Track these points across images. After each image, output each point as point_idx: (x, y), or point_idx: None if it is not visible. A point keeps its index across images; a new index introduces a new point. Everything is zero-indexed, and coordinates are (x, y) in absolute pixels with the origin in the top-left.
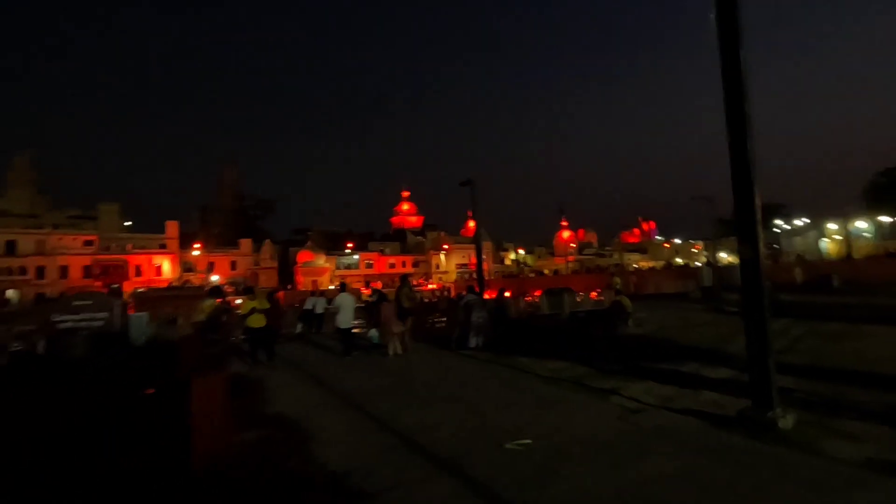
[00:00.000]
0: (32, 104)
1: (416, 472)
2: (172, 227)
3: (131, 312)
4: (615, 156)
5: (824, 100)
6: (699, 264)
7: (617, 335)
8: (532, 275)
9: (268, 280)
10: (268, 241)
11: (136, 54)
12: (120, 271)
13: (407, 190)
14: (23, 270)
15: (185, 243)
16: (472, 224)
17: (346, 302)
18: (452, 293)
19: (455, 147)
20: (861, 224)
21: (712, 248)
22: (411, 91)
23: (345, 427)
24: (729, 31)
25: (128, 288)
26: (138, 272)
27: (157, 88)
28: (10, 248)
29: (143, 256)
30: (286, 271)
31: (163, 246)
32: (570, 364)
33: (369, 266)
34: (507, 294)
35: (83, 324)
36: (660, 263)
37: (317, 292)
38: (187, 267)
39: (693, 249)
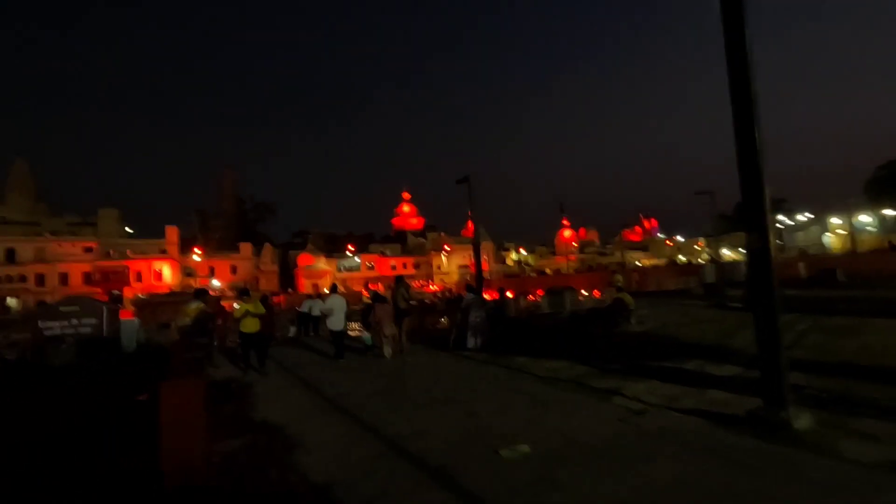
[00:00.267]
0: (30, 111)
1: (405, 483)
2: (172, 233)
3: (127, 317)
4: (616, 154)
5: (825, 92)
6: (701, 261)
7: (618, 333)
8: (534, 274)
9: (268, 284)
10: (268, 244)
11: (135, 60)
12: (120, 277)
13: (407, 191)
14: (23, 278)
15: (186, 248)
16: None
17: (337, 304)
18: (456, 293)
19: (455, 148)
20: (864, 218)
21: (715, 245)
22: (411, 92)
23: (332, 433)
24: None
25: (128, 294)
26: (139, 278)
27: (155, 93)
28: (10, 256)
29: (143, 262)
30: (287, 274)
31: (163, 251)
32: (569, 363)
33: (370, 268)
34: (508, 294)
35: (70, 330)
36: (662, 261)
37: (313, 295)
38: (188, 272)
39: (696, 246)
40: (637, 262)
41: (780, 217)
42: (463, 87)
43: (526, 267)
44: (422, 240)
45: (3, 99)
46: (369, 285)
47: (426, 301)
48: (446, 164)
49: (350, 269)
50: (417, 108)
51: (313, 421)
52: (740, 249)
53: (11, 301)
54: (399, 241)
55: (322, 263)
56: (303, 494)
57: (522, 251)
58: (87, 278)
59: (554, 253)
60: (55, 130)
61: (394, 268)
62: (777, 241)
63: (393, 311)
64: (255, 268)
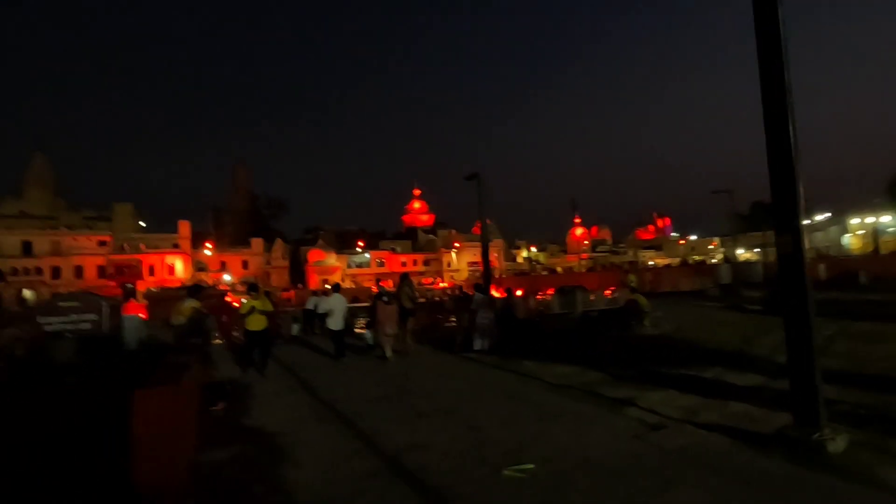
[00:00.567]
0: (48, 108)
1: None
2: (185, 227)
3: (136, 312)
4: (629, 152)
5: (846, 89)
6: (715, 261)
7: (632, 336)
8: (544, 273)
9: (279, 279)
10: (279, 240)
11: (149, 56)
12: (133, 271)
13: (418, 188)
14: (39, 271)
15: (198, 243)
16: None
17: (338, 303)
18: (468, 291)
19: (467, 145)
20: (887, 219)
21: (731, 245)
22: (424, 89)
23: (326, 444)
24: None
25: (141, 287)
26: (151, 272)
27: (172, 91)
28: (27, 249)
29: (156, 256)
30: (298, 270)
31: (175, 245)
32: (580, 369)
33: (380, 265)
34: (518, 293)
35: (70, 326)
36: (675, 260)
37: (319, 291)
38: (200, 266)
39: (710, 246)
40: (650, 262)
41: None
42: (476, 84)
43: (536, 265)
44: (432, 237)
45: (24, 96)
46: (380, 282)
47: (435, 299)
48: (458, 162)
49: (360, 266)
50: (430, 105)
51: (308, 429)
52: (755, 250)
53: (27, 293)
54: (410, 237)
55: (333, 259)
56: None
57: (533, 249)
58: (102, 272)
59: (565, 251)
60: (74, 127)
61: (404, 264)
62: None
63: (397, 310)
64: (267, 263)
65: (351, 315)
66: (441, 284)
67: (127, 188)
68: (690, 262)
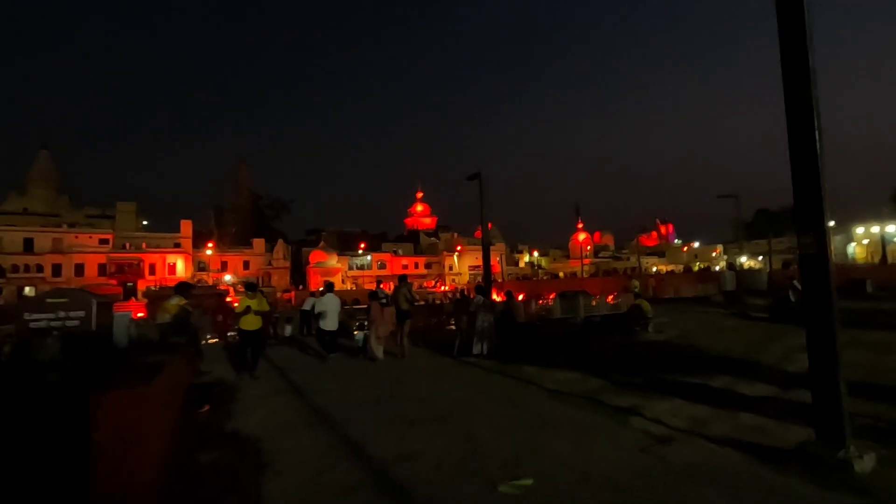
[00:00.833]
0: (53, 106)
1: None
2: (187, 227)
3: (135, 311)
4: (631, 158)
5: (850, 95)
6: (718, 268)
7: (635, 342)
8: (546, 277)
9: (280, 280)
10: (280, 240)
11: (154, 55)
12: (134, 269)
13: (421, 191)
14: (39, 268)
15: (200, 242)
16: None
17: (330, 304)
18: (470, 294)
19: (471, 149)
20: (891, 228)
21: (738, 252)
22: (428, 93)
23: (310, 452)
24: None
25: (142, 286)
26: (152, 270)
27: (175, 89)
28: (28, 246)
29: (157, 255)
30: (299, 271)
31: (177, 245)
32: (582, 375)
33: (382, 267)
34: (520, 297)
35: (57, 323)
36: (679, 267)
37: (316, 292)
38: (201, 266)
39: (713, 253)
40: (653, 268)
41: None
42: (481, 88)
43: (539, 270)
44: (434, 240)
45: (30, 93)
46: (381, 284)
47: (436, 301)
48: (461, 165)
49: (361, 268)
50: (433, 107)
51: (293, 435)
52: (759, 257)
53: (28, 290)
54: (412, 240)
55: (334, 261)
56: None
57: (535, 253)
58: (102, 270)
59: (568, 256)
60: (79, 126)
61: (405, 267)
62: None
63: (393, 312)
64: (268, 263)
65: (349, 316)
66: (442, 287)
67: (131, 187)
68: (694, 268)
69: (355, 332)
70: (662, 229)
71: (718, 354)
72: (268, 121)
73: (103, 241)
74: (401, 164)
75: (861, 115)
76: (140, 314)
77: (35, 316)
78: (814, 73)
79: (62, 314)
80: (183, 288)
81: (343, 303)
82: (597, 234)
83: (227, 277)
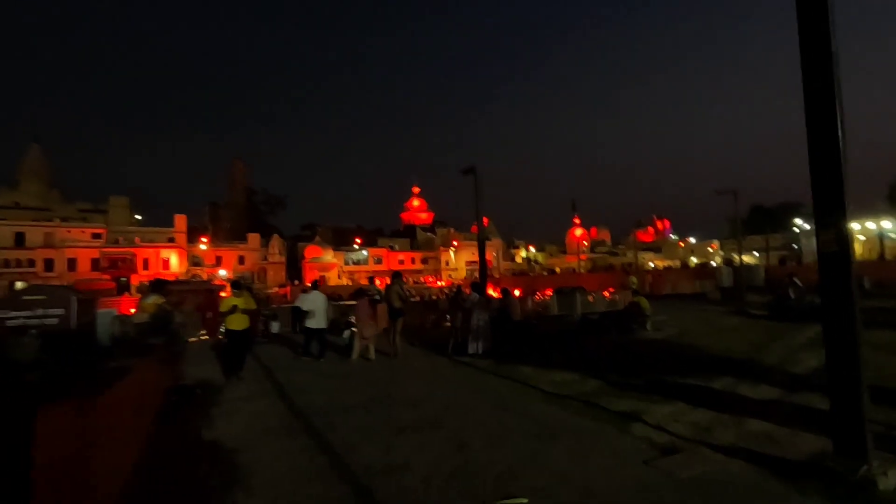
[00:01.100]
0: (46, 101)
1: None
2: (181, 221)
3: (127, 307)
4: (627, 153)
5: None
6: (714, 264)
7: (633, 340)
8: (543, 273)
9: (276, 275)
10: (276, 235)
11: (148, 50)
12: (128, 264)
13: (417, 186)
14: (31, 263)
15: (195, 237)
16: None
17: (317, 301)
18: (467, 290)
19: (467, 144)
20: (887, 224)
21: (739, 247)
22: (424, 88)
23: (288, 463)
24: None
25: (135, 281)
26: (146, 265)
27: (170, 84)
28: (20, 240)
29: (150, 250)
30: (295, 267)
31: (171, 240)
32: (579, 376)
33: (378, 262)
34: (516, 293)
35: (35, 321)
36: (675, 263)
37: (308, 288)
38: (195, 261)
39: (709, 249)
40: (650, 264)
41: (798, 221)
42: (476, 83)
43: (535, 265)
44: (431, 235)
45: (22, 87)
46: (375, 279)
47: (433, 297)
48: (457, 161)
49: (357, 263)
50: (430, 103)
51: (272, 444)
52: (755, 253)
53: (20, 285)
54: (408, 235)
55: (330, 256)
56: None
57: (532, 249)
58: (95, 264)
59: (564, 252)
60: (72, 120)
61: (401, 262)
62: (793, 246)
63: (385, 309)
64: (263, 259)
65: (341, 314)
66: (439, 283)
67: (124, 182)
68: (691, 264)
69: (345, 331)
70: (659, 225)
71: (719, 354)
72: (263, 116)
73: (96, 236)
74: (397, 159)
75: (855, 111)
76: (133, 310)
77: (11, 314)
78: (836, 56)
79: (40, 312)
80: (160, 285)
81: (338, 298)
82: (593, 230)
83: (222, 272)
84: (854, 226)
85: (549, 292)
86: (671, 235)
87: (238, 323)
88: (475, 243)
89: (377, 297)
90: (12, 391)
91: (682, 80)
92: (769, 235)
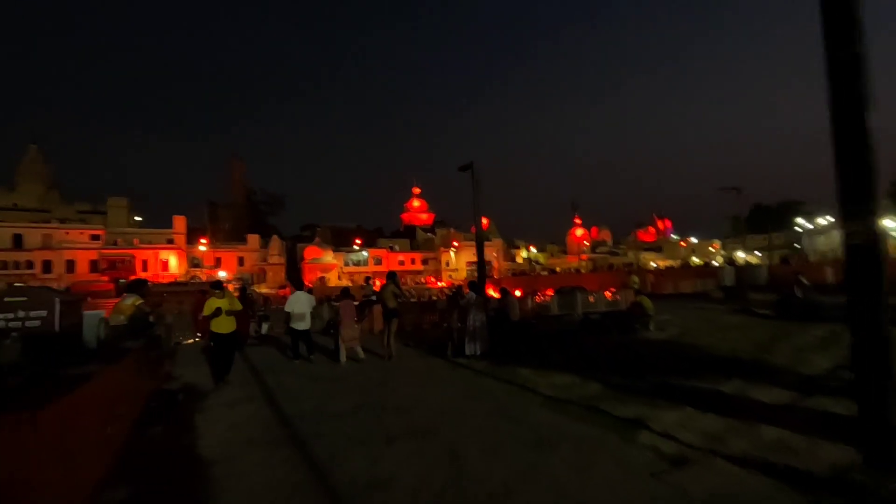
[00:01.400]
0: (45, 103)
1: None
2: (180, 222)
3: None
4: (627, 152)
5: None
6: (716, 263)
7: (636, 340)
8: (544, 273)
9: (275, 276)
10: (275, 236)
11: (148, 53)
12: (126, 266)
13: (418, 187)
14: (29, 264)
15: (194, 238)
16: (483, 221)
17: (301, 301)
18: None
19: (468, 144)
20: (889, 223)
21: (739, 246)
22: (426, 88)
23: (267, 477)
24: None
25: None
26: (145, 267)
27: (168, 85)
28: (18, 242)
29: (149, 251)
30: (294, 267)
31: (170, 241)
32: (580, 379)
33: (378, 263)
34: (517, 293)
35: (16, 323)
36: (676, 262)
37: (305, 289)
38: (194, 262)
39: (710, 248)
40: (651, 264)
41: (800, 220)
42: (477, 83)
43: (536, 265)
44: (431, 235)
45: (21, 88)
46: (371, 279)
47: (433, 298)
48: (458, 161)
49: (357, 264)
50: (430, 103)
51: (252, 454)
52: (756, 252)
53: (18, 286)
54: (408, 236)
55: (329, 257)
56: None
57: (533, 249)
58: (94, 266)
59: (565, 252)
60: (71, 122)
61: (401, 263)
62: (795, 245)
63: (380, 310)
64: (263, 260)
65: (335, 314)
66: (439, 284)
67: (123, 183)
68: (692, 263)
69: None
70: (660, 224)
71: (725, 355)
72: (262, 116)
73: (94, 237)
74: (397, 159)
75: None
76: (103, 313)
77: None
78: (862, 26)
79: (22, 314)
80: (138, 286)
81: (329, 299)
82: (594, 230)
83: (222, 274)
84: None
85: (549, 292)
86: (672, 235)
87: (224, 326)
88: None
89: (372, 298)
90: None
91: (680, 79)
92: (773, 233)
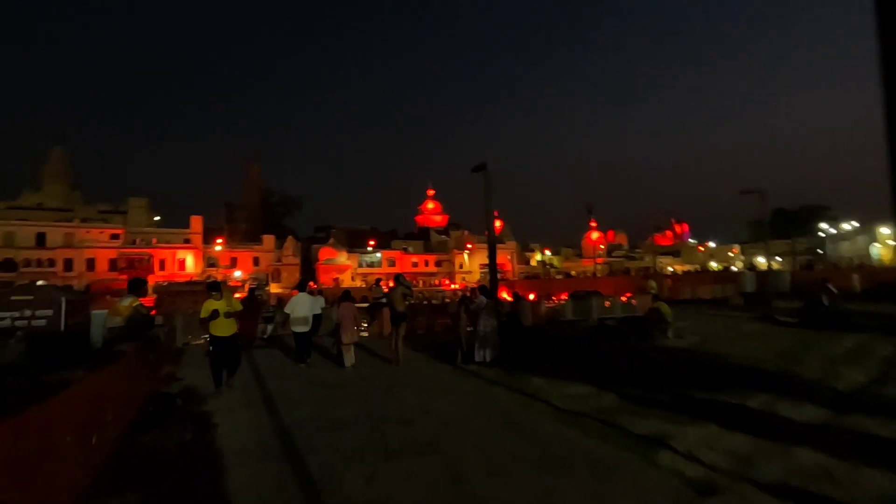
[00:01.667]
0: (72, 106)
1: None
2: (197, 222)
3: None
4: (645, 156)
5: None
6: (734, 268)
7: (654, 348)
8: (559, 276)
9: (290, 276)
10: (290, 237)
11: (167, 56)
12: (144, 265)
13: (432, 189)
14: (51, 262)
15: (210, 238)
16: (497, 223)
17: (303, 303)
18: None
19: (483, 146)
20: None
21: (765, 251)
22: (442, 91)
23: (255, 493)
24: None
25: (152, 282)
26: (162, 266)
27: (189, 88)
28: (41, 240)
29: (167, 250)
30: (309, 268)
31: (187, 241)
32: (596, 389)
33: (392, 264)
34: (530, 297)
35: (22, 322)
36: (695, 267)
37: (314, 291)
38: (211, 262)
39: (729, 253)
40: (669, 268)
41: (823, 225)
42: (493, 86)
43: (550, 269)
44: (445, 237)
45: (47, 90)
46: (381, 282)
47: (445, 300)
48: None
49: (371, 265)
50: (446, 106)
51: (243, 467)
52: (777, 258)
53: (41, 283)
54: (422, 238)
55: (343, 258)
56: None
57: (547, 252)
58: (113, 265)
59: (580, 255)
60: (95, 123)
61: (415, 265)
62: (818, 250)
63: (388, 313)
64: (277, 260)
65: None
66: (452, 286)
67: (145, 184)
68: (710, 269)
69: (365, 333)
70: (677, 228)
71: (749, 366)
72: (280, 118)
73: (114, 237)
74: (412, 162)
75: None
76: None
77: None
78: None
79: (28, 313)
80: (137, 285)
81: (327, 300)
82: (610, 233)
83: (237, 273)
84: (883, 230)
85: (564, 296)
86: (690, 240)
87: (223, 328)
88: None
89: (382, 301)
90: None
91: (699, 82)
92: (797, 239)
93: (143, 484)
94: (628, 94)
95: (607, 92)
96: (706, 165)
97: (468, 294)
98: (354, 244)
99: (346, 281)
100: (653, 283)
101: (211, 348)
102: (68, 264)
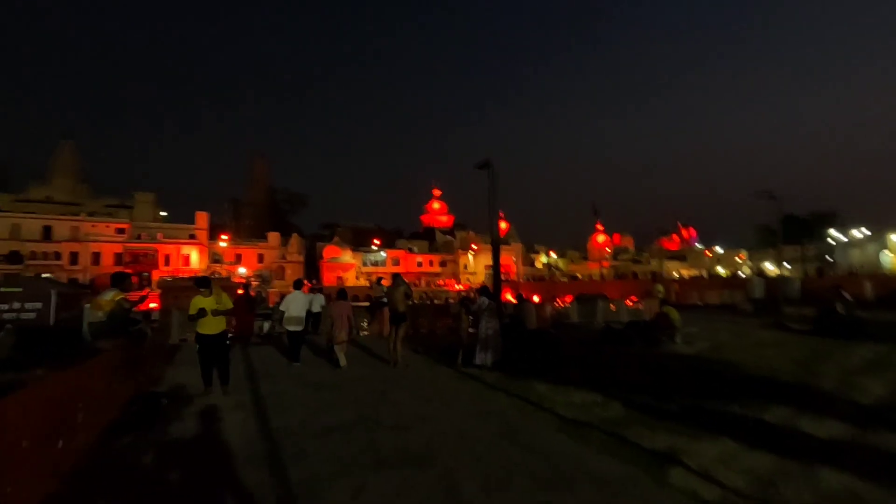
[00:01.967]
0: (80, 100)
1: None
2: (202, 218)
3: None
4: (652, 159)
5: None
6: (742, 274)
7: (662, 354)
8: (564, 279)
9: (294, 274)
10: (295, 234)
11: (174, 53)
12: (149, 260)
13: (438, 189)
14: (57, 256)
15: (216, 234)
16: (503, 225)
17: (296, 301)
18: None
19: (489, 147)
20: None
21: (774, 256)
22: (448, 90)
23: None
24: None
25: (156, 276)
26: (167, 261)
27: (196, 84)
28: (47, 234)
29: (172, 246)
30: (313, 266)
31: (192, 236)
32: (602, 397)
33: (396, 263)
34: (535, 299)
35: (10, 315)
36: (702, 272)
37: (315, 288)
38: (215, 258)
39: (737, 259)
40: (675, 273)
41: (833, 233)
42: (499, 85)
43: (556, 271)
44: (450, 238)
45: (57, 85)
46: (381, 280)
47: (449, 300)
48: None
49: (376, 264)
50: (452, 105)
51: (224, 477)
52: (785, 264)
53: (46, 276)
54: (427, 238)
55: (348, 256)
56: None
57: (553, 254)
58: (118, 259)
59: (586, 258)
60: (103, 117)
61: (419, 265)
62: (827, 257)
63: (388, 313)
64: (282, 257)
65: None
66: (457, 286)
67: (152, 179)
68: (716, 274)
69: (366, 332)
70: (684, 233)
71: (762, 374)
72: (289, 115)
73: (120, 231)
74: (418, 161)
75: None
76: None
77: None
78: None
79: (17, 305)
80: (121, 279)
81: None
82: (616, 236)
83: (242, 270)
84: (893, 237)
85: (569, 299)
86: (697, 244)
87: (210, 327)
88: None
89: (383, 300)
90: None
91: (707, 84)
92: (808, 245)
93: (112, 491)
94: (635, 96)
95: (615, 95)
96: (713, 168)
97: (469, 295)
98: (359, 242)
99: (350, 279)
100: (660, 288)
101: (197, 347)
102: (74, 258)
